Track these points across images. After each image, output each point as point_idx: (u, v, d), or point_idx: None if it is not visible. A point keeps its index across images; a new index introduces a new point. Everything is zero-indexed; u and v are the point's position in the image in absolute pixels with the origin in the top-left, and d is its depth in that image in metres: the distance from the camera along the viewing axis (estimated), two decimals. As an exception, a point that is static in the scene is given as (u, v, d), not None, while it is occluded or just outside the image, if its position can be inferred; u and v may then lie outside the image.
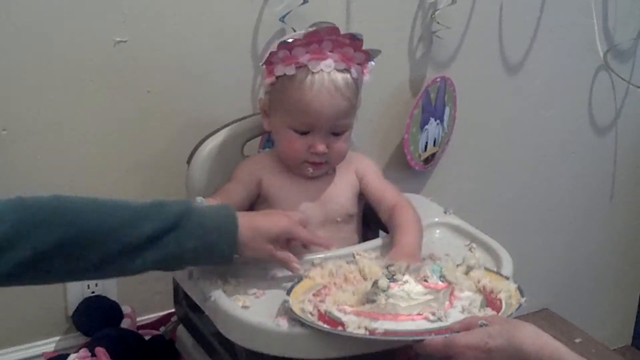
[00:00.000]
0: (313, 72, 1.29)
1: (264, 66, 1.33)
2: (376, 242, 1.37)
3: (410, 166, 1.81)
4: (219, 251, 1.15)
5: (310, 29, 1.29)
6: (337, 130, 1.34)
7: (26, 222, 1.02)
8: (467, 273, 1.24)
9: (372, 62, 1.36)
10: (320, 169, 1.37)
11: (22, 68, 1.39)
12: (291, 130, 1.33)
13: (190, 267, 1.21)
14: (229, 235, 1.15)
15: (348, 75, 1.32)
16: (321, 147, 1.33)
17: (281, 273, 1.24)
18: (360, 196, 1.44)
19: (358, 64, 1.33)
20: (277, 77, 1.32)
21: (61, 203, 1.07)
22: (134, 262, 1.09)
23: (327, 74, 1.30)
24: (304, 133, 1.33)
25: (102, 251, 1.07)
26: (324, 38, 1.29)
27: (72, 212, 1.06)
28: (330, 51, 1.30)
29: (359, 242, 1.43)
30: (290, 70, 1.30)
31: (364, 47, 1.32)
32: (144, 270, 1.12)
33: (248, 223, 1.18)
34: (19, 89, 1.39)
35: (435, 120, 1.81)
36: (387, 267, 1.17)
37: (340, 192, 1.41)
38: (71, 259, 1.05)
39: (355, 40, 1.31)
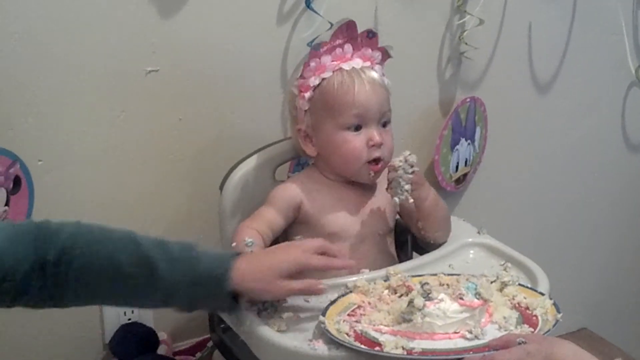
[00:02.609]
0: (348, 70, 1.35)
1: (297, 88, 1.36)
2: (411, 263, 1.37)
3: (442, 187, 1.81)
4: (212, 297, 1.14)
5: (332, 31, 1.37)
6: (384, 119, 1.38)
7: (43, 244, 1.06)
8: (501, 290, 1.24)
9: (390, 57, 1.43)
10: (379, 170, 1.39)
11: (55, 101, 1.41)
12: (344, 131, 1.36)
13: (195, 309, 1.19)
14: (220, 282, 1.13)
15: (376, 71, 1.39)
16: (378, 137, 1.36)
17: (316, 297, 1.24)
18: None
19: (378, 64, 1.40)
20: (315, 88, 1.36)
21: (79, 230, 1.10)
22: (138, 295, 1.12)
23: (360, 69, 1.36)
24: (357, 129, 1.36)
25: (109, 281, 1.10)
26: (344, 41, 1.36)
27: (86, 240, 1.09)
28: (352, 54, 1.37)
29: (395, 256, 1.46)
30: (327, 74, 1.35)
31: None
32: (148, 304, 1.18)
33: (251, 266, 1.15)
34: (53, 121, 1.42)
35: (466, 140, 1.81)
36: (422, 286, 1.17)
37: (380, 206, 1.43)
38: (82, 285, 1.09)
39: (371, 37, 1.38)
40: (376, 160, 1.37)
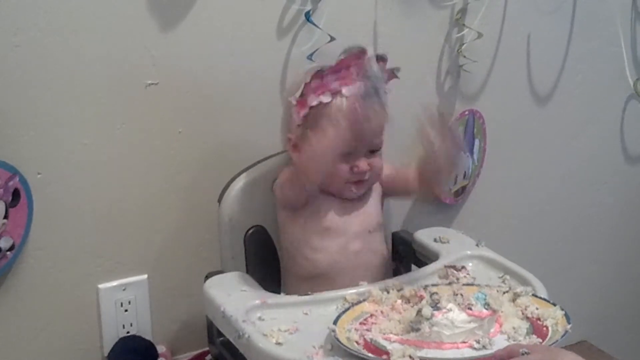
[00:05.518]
0: (347, 97, 1.33)
1: (295, 101, 1.35)
2: (409, 275, 1.38)
3: (441, 199, 1.81)
4: None
5: (341, 57, 1.34)
6: (374, 147, 1.38)
7: None
8: (514, 300, 1.24)
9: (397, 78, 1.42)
10: (362, 188, 1.40)
11: (55, 113, 1.41)
12: None
13: None
14: None
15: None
16: (364, 165, 1.37)
17: (314, 309, 1.24)
18: (383, 200, 1.49)
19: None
20: (311, 108, 1.35)
21: None
22: None
23: (361, 96, 1.33)
24: (344, 155, 1.35)
25: None
26: (351, 64, 1.33)
27: None
28: (357, 75, 1.34)
29: (386, 253, 1.47)
30: (325, 98, 1.34)
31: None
32: None
33: None
34: (52, 134, 1.42)
35: (465, 153, 1.81)
36: (430, 295, 1.17)
37: (368, 203, 1.44)
38: None
39: (380, 61, 1.36)
40: (359, 181, 1.39)
